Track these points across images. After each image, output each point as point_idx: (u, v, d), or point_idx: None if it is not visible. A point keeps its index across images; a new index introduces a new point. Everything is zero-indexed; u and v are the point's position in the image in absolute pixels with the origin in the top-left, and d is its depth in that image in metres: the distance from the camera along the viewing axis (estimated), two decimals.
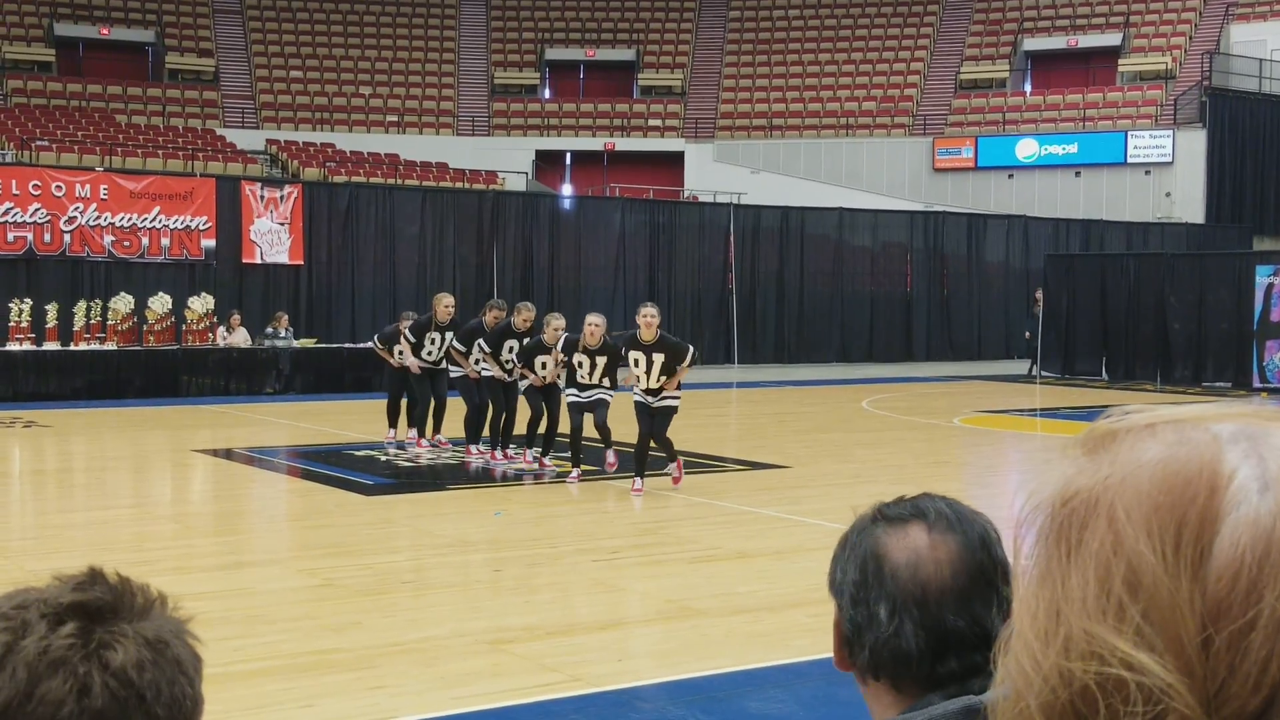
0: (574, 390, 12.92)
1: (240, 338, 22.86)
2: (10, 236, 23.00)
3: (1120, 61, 41.98)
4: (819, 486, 12.92)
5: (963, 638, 1.62)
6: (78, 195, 23.42)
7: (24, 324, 21.15)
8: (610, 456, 13.05)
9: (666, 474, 12.65)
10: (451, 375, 14.89)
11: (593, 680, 6.52)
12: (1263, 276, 24.58)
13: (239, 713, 5.93)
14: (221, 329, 22.64)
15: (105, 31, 41.00)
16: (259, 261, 25.10)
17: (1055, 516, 0.74)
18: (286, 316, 23.63)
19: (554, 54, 44.55)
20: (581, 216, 29.99)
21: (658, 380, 12.20)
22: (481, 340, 14.08)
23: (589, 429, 12.86)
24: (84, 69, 40.21)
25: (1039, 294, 29.05)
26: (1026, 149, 39.88)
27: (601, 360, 12.78)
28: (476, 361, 14.12)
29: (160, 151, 33.11)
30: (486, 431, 14.35)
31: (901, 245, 32.86)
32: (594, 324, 12.80)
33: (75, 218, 23.35)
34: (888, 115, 41.95)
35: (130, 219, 23.74)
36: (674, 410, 12.40)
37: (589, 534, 10.41)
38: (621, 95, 43.83)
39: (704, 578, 8.94)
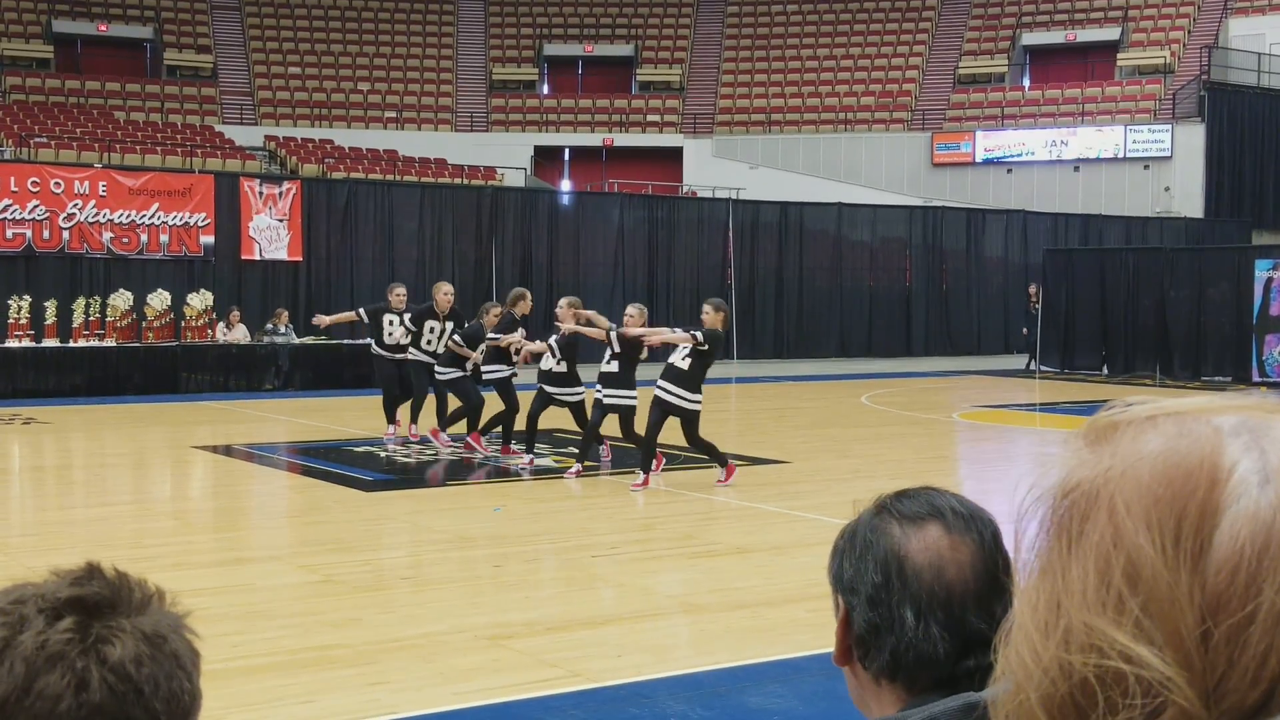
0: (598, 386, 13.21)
1: (239, 334, 22.86)
2: (9, 233, 22.99)
3: (1119, 56, 41.97)
4: (818, 482, 12.92)
5: (986, 639, 1.61)
6: (76, 192, 23.41)
7: (23, 321, 21.14)
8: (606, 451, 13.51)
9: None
10: (443, 376, 14.80)
11: (592, 675, 6.52)
12: (1262, 271, 24.57)
13: (239, 709, 5.93)
14: (221, 325, 22.64)
15: (103, 28, 40.98)
16: (258, 258, 25.09)
17: (1056, 508, 0.74)
18: (287, 313, 23.63)
19: (552, 49, 44.53)
20: (580, 212, 29.99)
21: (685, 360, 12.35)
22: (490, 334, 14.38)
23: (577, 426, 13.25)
24: (82, 65, 40.18)
25: (1033, 289, 29.06)
26: (1025, 143, 39.87)
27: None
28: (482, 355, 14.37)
29: (159, 148, 33.09)
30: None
31: (900, 240, 32.85)
32: (632, 314, 13.05)
33: (74, 214, 23.34)
34: (886, 110, 41.93)
35: (129, 215, 23.73)
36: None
37: (588, 529, 10.41)
38: (620, 91, 43.81)
39: (703, 573, 8.95)
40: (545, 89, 44.23)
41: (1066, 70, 42.45)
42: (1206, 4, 41.67)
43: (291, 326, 23.55)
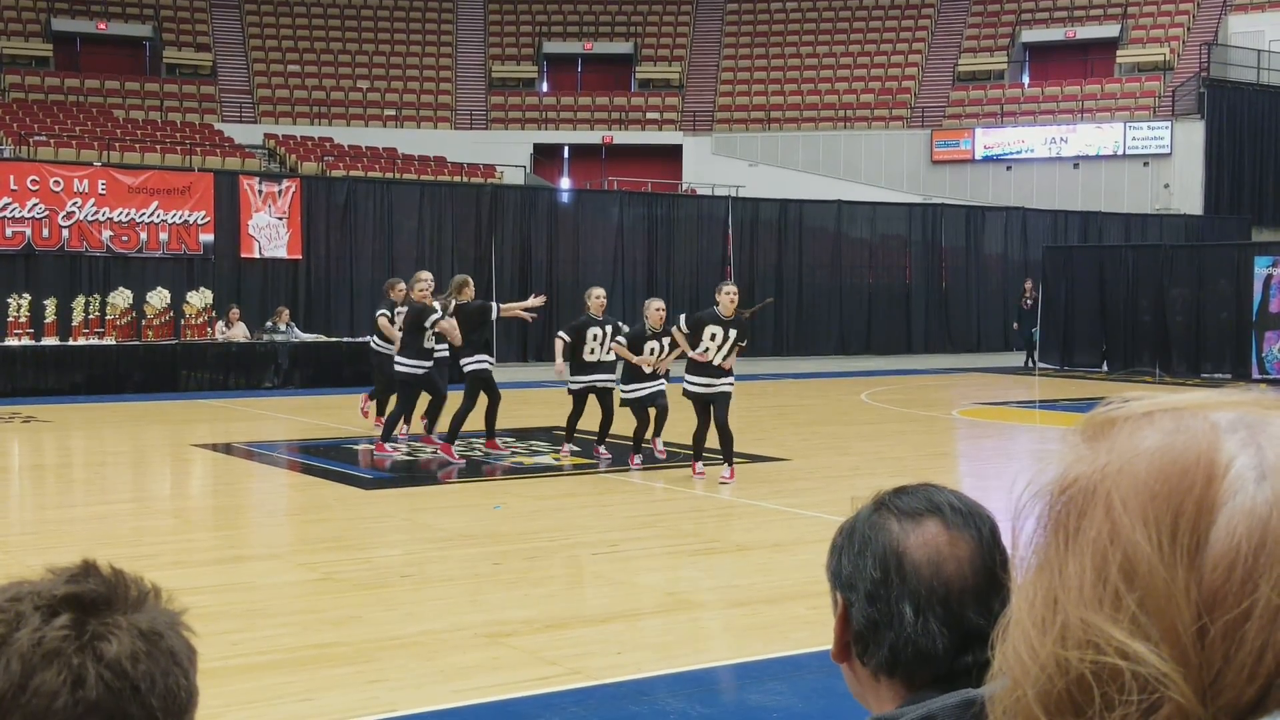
0: (634, 382, 13.33)
1: (239, 332, 22.86)
2: (8, 232, 22.99)
3: (1118, 53, 41.96)
4: (818, 479, 12.92)
5: (984, 635, 1.61)
6: (76, 190, 23.40)
7: (23, 319, 21.15)
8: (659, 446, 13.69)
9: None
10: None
11: (592, 673, 6.52)
12: (1261, 267, 24.58)
13: (238, 706, 5.93)
14: (220, 324, 22.64)
15: (103, 26, 40.97)
16: (257, 256, 25.09)
17: (1054, 505, 0.74)
18: (288, 311, 23.62)
19: (552, 47, 44.52)
20: (580, 210, 29.98)
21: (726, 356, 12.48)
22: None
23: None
24: (81, 64, 40.18)
25: (1028, 284, 29.06)
26: (1025, 140, 39.87)
27: (666, 343, 13.24)
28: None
29: (158, 146, 33.09)
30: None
31: (900, 237, 32.85)
32: (658, 308, 13.33)
33: (73, 213, 23.34)
34: (886, 107, 41.93)
35: (128, 214, 23.73)
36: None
37: (588, 527, 10.41)
38: (619, 88, 43.81)
39: (703, 570, 8.95)
40: (545, 87, 44.23)
41: (1066, 67, 42.45)
42: (1206, 1, 41.67)
43: (293, 325, 23.55)
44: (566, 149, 42.82)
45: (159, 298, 21.85)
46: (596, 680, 6.41)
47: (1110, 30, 42.67)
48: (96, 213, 23.49)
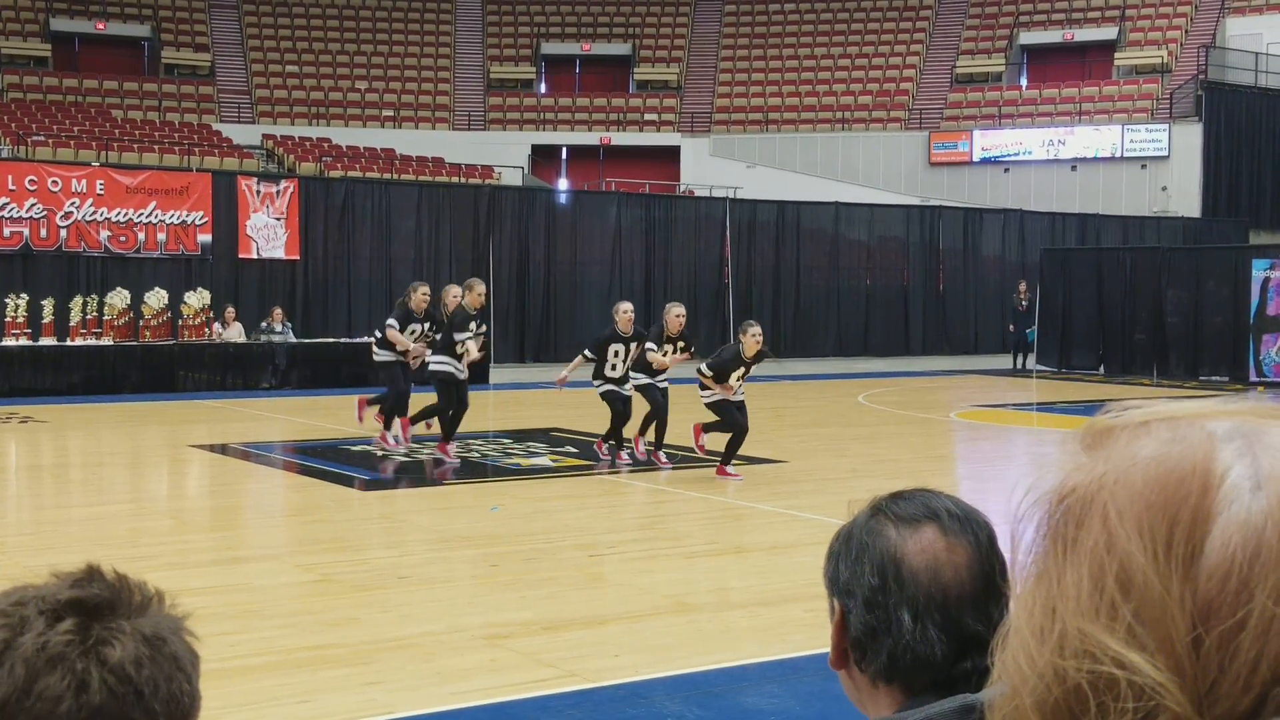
0: (645, 377, 13.43)
1: (235, 333, 22.85)
2: (6, 232, 22.98)
3: (1116, 55, 41.99)
4: (815, 481, 12.92)
5: (982, 641, 1.61)
6: (74, 190, 23.40)
7: (20, 319, 21.13)
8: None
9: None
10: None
11: (589, 675, 6.52)
12: (1259, 270, 24.59)
13: (235, 708, 5.93)
14: (216, 324, 22.63)
15: (101, 26, 40.96)
16: (255, 256, 25.09)
17: (1052, 513, 0.74)
18: (282, 311, 23.61)
19: (550, 48, 44.53)
20: (577, 211, 29.99)
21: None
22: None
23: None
24: (80, 64, 40.17)
25: (1022, 286, 29.06)
26: (1023, 143, 39.88)
27: (679, 345, 13.54)
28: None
29: (156, 146, 33.09)
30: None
31: (898, 239, 32.87)
32: (679, 314, 13.59)
33: (71, 213, 23.33)
34: (884, 109, 41.95)
35: (126, 214, 23.72)
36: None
37: (585, 529, 10.41)
38: (617, 90, 43.81)
39: (700, 573, 8.95)
40: (543, 88, 44.23)
41: (1064, 70, 42.48)
42: (1204, 4, 41.69)
43: (290, 325, 23.54)
44: (564, 150, 42.82)
45: (156, 298, 21.84)
46: (594, 683, 6.41)
47: (1108, 33, 42.70)
48: (94, 213, 23.48)
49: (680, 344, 13.53)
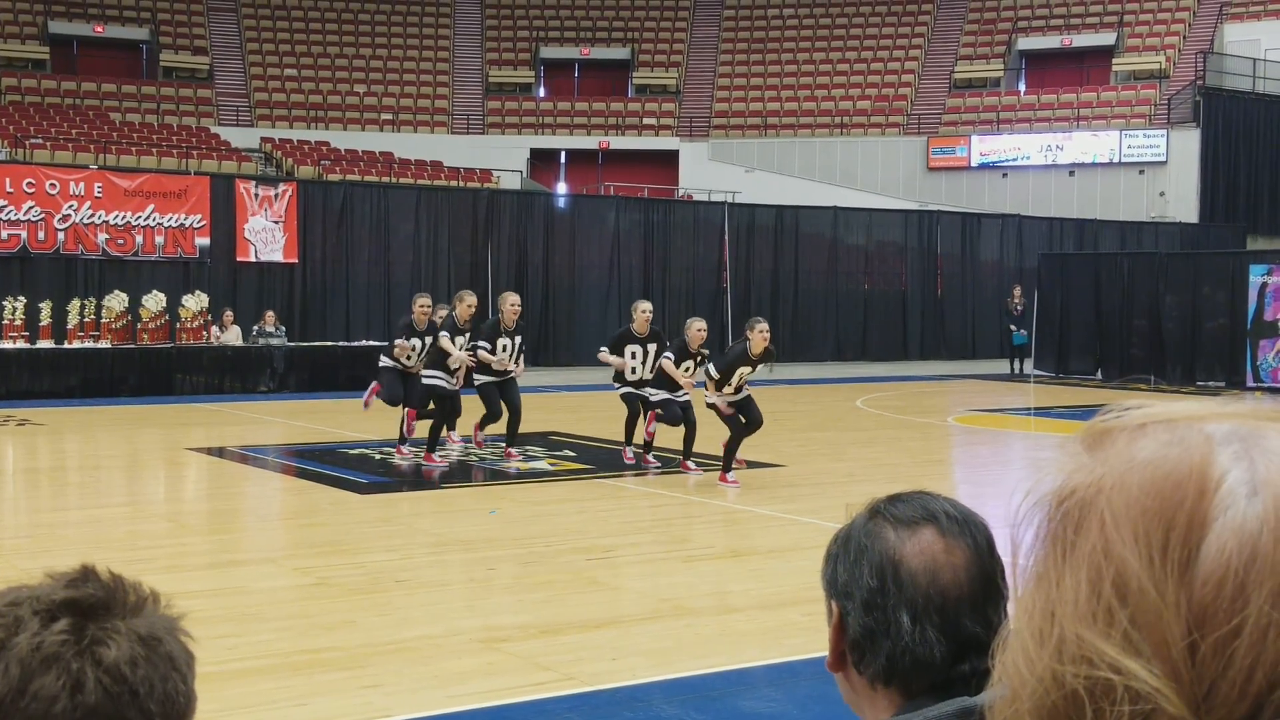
0: (664, 392, 13.37)
1: (233, 336, 22.84)
2: (4, 234, 22.98)
3: (1114, 61, 42.02)
4: (813, 485, 12.92)
5: (980, 643, 1.61)
6: (72, 193, 23.39)
7: (18, 322, 21.12)
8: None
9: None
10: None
11: (587, 679, 6.52)
12: (1256, 276, 24.61)
13: (233, 711, 5.92)
14: (214, 327, 22.62)
15: (100, 29, 40.96)
16: (253, 260, 25.09)
17: (1052, 516, 0.74)
18: (273, 314, 23.57)
19: (549, 52, 44.54)
20: (576, 215, 29.99)
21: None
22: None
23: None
24: (78, 67, 40.16)
25: (1017, 291, 29.06)
26: (1021, 148, 39.90)
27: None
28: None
29: (154, 149, 33.08)
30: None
31: (896, 244, 32.88)
32: (700, 328, 13.39)
33: (69, 215, 23.32)
34: (882, 114, 41.96)
35: (124, 217, 23.72)
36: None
37: (583, 532, 10.40)
38: (616, 94, 43.82)
39: (698, 576, 8.95)
40: (541, 92, 44.23)
41: (1062, 75, 42.50)
42: (1202, 9, 41.73)
43: (282, 329, 23.52)
44: (563, 154, 42.82)
45: (154, 301, 21.83)
46: (591, 686, 6.41)
47: (1106, 38, 42.73)
48: (92, 215, 23.47)
49: (699, 358, 13.36)
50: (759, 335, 12.56)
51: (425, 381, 14.06)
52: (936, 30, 44.37)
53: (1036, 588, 0.73)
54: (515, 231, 28.41)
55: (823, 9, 45.23)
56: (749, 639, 7.33)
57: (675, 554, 9.71)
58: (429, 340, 14.34)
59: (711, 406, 12.85)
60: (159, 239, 24.01)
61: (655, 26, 45.38)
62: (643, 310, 13.91)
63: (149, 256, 23.90)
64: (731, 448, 12.75)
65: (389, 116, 40.77)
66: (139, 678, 1.01)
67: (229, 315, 23.03)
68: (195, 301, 22.19)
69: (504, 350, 14.02)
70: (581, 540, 10.07)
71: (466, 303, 14.11)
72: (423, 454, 13.98)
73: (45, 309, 21.34)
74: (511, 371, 14.01)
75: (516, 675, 6.58)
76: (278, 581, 8.65)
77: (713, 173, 39.31)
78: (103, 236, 23.54)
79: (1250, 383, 24.26)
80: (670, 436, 13.91)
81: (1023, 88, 43.09)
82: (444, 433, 14.44)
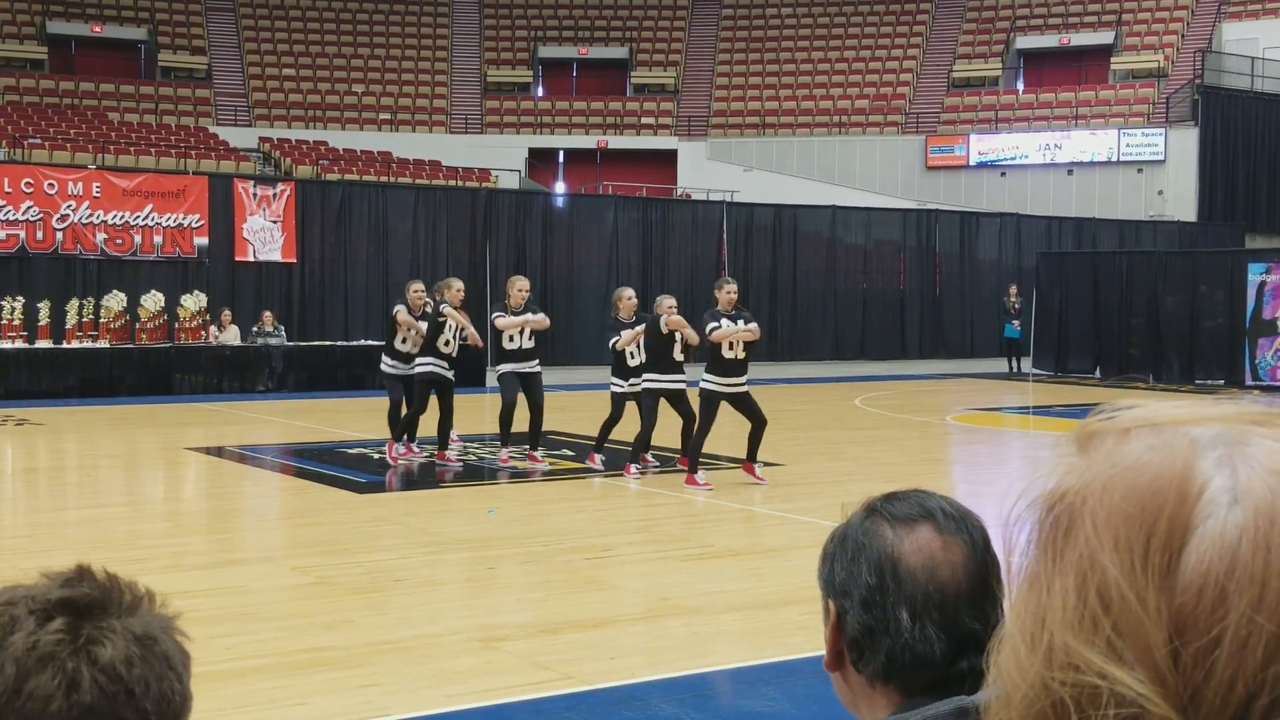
0: (660, 377, 13.10)
1: (231, 335, 22.84)
2: (2, 234, 22.97)
3: (1113, 60, 42.02)
4: (811, 484, 12.92)
5: (979, 639, 1.61)
6: (70, 193, 23.38)
7: (16, 322, 21.12)
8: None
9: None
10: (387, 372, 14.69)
11: (585, 678, 6.52)
12: (1255, 274, 24.62)
13: (231, 711, 5.92)
14: (213, 327, 22.62)
15: (98, 29, 40.94)
16: (252, 259, 25.08)
17: (1043, 520, 0.73)
18: (270, 314, 23.56)
19: (547, 52, 44.52)
20: (574, 214, 29.99)
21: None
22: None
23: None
24: (76, 67, 40.15)
25: (1013, 289, 29.05)
26: (1019, 147, 39.91)
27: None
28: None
29: (153, 149, 33.06)
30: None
31: (894, 243, 32.89)
32: (671, 305, 13.08)
33: (67, 215, 23.31)
34: (881, 113, 41.96)
35: (123, 217, 23.71)
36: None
37: (581, 531, 10.41)
38: (614, 93, 43.81)
39: (696, 575, 8.94)
40: (540, 91, 44.23)
41: (1060, 74, 42.51)
42: (1200, 8, 41.74)
43: (281, 329, 23.52)
44: (561, 153, 42.81)
45: (153, 301, 21.83)
46: (589, 685, 6.41)
47: (1105, 37, 42.73)
48: (91, 215, 23.46)
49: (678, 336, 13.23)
50: (726, 294, 12.50)
51: (420, 370, 13.92)
52: (935, 29, 44.37)
53: (1029, 591, 0.73)
54: (513, 231, 28.41)
55: (821, 8, 45.22)
56: (747, 638, 7.34)
57: (673, 553, 9.71)
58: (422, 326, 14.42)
59: (704, 402, 12.68)
60: (157, 239, 24.01)
61: (653, 26, 45.38)
62: (627, 296, 13.84)
63: (147, 256, 23.89)
64: (697, 445, 12.55)
65: (387, 116, 40.75)
66: (134, 677, 1.01)
67: (227, 315, 23.02)
68: (194, 301, 22.19)
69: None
70: (580, 539, 10.07)
71: (455, 288, 14.17)
72: (388, 443, 14.03)
73: (44, 309, 21.34)
74: (528, 349, 13.95)
75: (515, 674, 6.58)
76: (276, 581, 8.65)
77: (711, 172, 39.31)
78: (101, 236, 23.53)
79: (1249, 381, 24.27)
80: (669, 435, 13.91)
81: (1021, 87, 43.09)
82: (451, 434, 14.39)
